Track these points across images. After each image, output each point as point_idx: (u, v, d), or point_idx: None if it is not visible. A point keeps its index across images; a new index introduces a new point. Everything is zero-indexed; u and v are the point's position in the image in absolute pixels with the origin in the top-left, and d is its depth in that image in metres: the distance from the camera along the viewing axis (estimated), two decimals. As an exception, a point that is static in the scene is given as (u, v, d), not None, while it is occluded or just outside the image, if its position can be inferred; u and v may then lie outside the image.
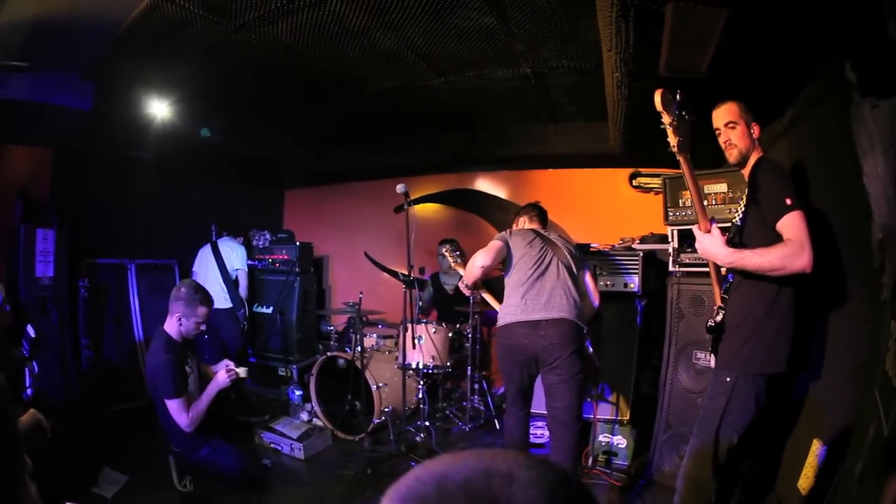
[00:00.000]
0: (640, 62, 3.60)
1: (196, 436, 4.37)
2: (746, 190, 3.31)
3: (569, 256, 4.53)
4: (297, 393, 6.61)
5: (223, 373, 4.47)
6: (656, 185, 6.94)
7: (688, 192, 3.59)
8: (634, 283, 5.58)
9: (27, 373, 4.21)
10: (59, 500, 3.80)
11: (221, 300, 7.20)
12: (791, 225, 2.92)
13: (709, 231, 3.14)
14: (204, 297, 4.57)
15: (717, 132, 3.42)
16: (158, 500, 4.46)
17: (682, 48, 3.15)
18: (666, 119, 2.78)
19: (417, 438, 6.05)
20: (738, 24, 2.83)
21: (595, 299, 4.71)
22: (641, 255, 5.62)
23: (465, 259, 5.04)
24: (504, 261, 4.58)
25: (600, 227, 7.19)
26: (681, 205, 5.06)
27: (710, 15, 2.77)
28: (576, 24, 4.10)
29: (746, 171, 3.36)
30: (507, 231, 4.77)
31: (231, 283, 7.32)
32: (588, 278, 4.73)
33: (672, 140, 2.85)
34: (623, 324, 5.64)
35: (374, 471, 5.18)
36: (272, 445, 5.74)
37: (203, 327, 4.61)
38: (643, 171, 7.22)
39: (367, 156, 8.62)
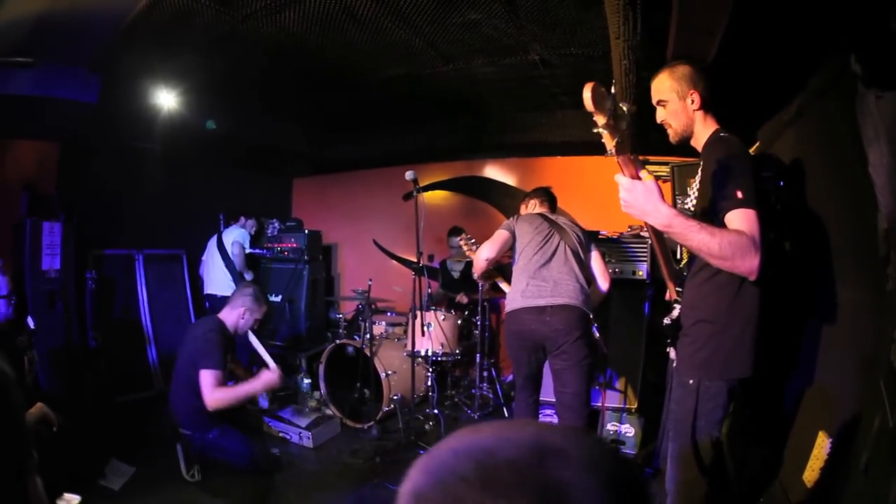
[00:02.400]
0: (648, 50, 3.58)
1: (207, 419, 4.44)
2: (700, 172, 2.90)
3: (576, 241, 4.53)
4: (306, 381, 6.63)
5: (276, 375, 4.57)
6: (664, 173, 6.90)
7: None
8: (643, 270, 5.58)
9: (26, 362, 4.25)
10: (60, 491, 3.85)
11: (225, 287, 7.24)
12: (744, 220, 2.43)
13: (637, 178, 2.45)
14: (266, 300, 4.94)
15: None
16: (166, 490, 4.48)
17: (689, 36, 3.12)
18: (600, 120, 2.19)
19: (426, 426, 6.07)
20: (744, 13, 2.80)
21: (603, 283, 4.66)
22: (650, 242, 5.58)
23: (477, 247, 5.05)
24: (512, 248, 4.60)
25: (609, 214, 7.12)
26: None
27: (716, 3, 2.75)
28: (584, 11, 4.08)
29: (699, 146, 2.95)
30: (514, 218, 4.78)
31: (235, 271, 7.34)
32: (597, 259, 4.70)
33: (608, 143, 2.28)
34: (631, 312, 5.64)
35: (383, 459, 5.21)
36: (280, 434, 5.77)
37: (255, 327, 4.86)
38: (651, 158, 7.18)
39: (375, 144, 8.62)
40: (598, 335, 4.54)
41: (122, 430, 5.70)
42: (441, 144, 8.15)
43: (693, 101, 2.86)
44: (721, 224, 2.48)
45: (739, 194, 2.45)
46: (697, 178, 2.94)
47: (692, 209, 2.95)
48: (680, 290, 3.04)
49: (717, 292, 2.71)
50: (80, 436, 4.42)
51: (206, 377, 4.32)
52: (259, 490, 4.56)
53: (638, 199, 2.39)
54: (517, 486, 0.61)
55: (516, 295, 4.43)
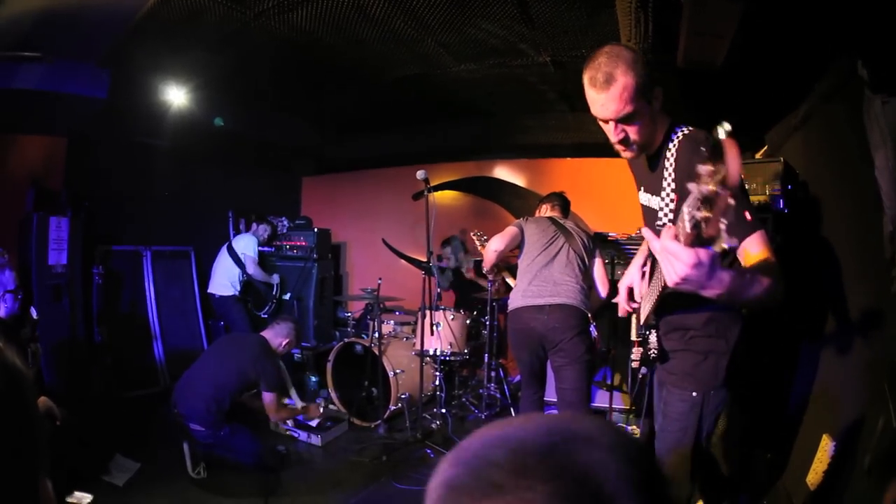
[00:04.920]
0: (659, 53, 3.59)
1: (222, 417, 4.54)
2: (667, 172, 2.35)
3: (581, 246, 4.60)
4: (313, 379, 6.64)
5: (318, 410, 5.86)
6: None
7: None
8: (651, 273, 5.57)
9: (30, 355, 4.27)
10: (70, 489, 3.86)
11: (224, 290, 7.32)
12: (762, 243, 2.04)
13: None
14: (301, 335, 5.71)
15: (603, 123, 2.32)
16: (171, 487, 4.50)
17: (699, 40, 3.12)
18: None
19: (433, 425, 6.08)
20: (753, 18, 2.81)
21: (602, 290, 4.74)
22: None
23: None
24: (519, 246, 4.68)
25: (618, 216, 7.15)
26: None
27: (726, 7, 2.76)
28: (595, 13, 4.08)
29: (653, 147, 2.43)
30: (524, 218, 4.85)
31: (237, 276, 7.41)
32: (599, 266, 4.76)
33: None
34: (639, 314, 5.63)
35: (390, 457, 5.23)
36: (288, 432, 5.77)
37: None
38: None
39: (385, 143, 8.66)
40: (596, 334, 4.60)
41: (127, 426, 5.73)
42: (451, 144, 8.18)
43: (657, 102, 2.29)
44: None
45: (748, 216, 2.05)
46: (668, 178, 2.37)
47: (670, 212, 2.39)
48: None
49: (708, 303, 2.11)
50: (84, 431, 4.44)
51: (269, 397, 4.94)
52: (265, 488, 4.57)
53: (703, 274, 1.64)
54: (550, 469, 0.64)
55: (518, 294, 4.54)
